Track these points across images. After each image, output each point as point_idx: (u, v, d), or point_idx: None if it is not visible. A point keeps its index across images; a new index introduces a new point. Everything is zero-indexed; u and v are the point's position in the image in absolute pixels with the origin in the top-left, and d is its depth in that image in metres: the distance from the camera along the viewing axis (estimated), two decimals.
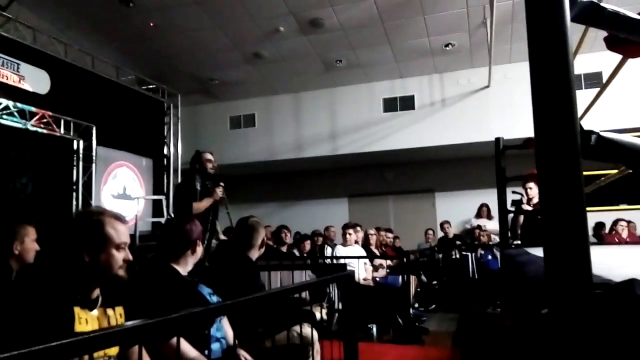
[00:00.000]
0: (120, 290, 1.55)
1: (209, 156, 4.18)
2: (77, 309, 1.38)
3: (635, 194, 6.71)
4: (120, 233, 1.49)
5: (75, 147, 6.39)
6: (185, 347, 1.76)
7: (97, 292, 1.47)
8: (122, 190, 7.24)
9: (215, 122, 9.51)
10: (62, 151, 6.23)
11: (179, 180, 8.29)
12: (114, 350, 1.47)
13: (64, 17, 6.42)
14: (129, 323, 1.01)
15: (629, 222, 6.68)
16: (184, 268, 2.08)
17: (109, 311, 1.50)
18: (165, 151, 8.35)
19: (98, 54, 6.90)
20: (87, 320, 1.40)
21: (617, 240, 6.01)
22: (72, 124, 6.25)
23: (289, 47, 7.29)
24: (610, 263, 2.05)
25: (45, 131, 5.83)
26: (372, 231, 6.38)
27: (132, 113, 7.45)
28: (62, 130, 6.11)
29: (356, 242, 5.74)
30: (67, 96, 6.23)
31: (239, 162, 9.22)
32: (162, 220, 6.87)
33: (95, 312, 1.45)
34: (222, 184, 4.06)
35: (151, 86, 8.11)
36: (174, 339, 1.21)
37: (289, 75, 8.33)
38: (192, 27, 6.68)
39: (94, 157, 6.47)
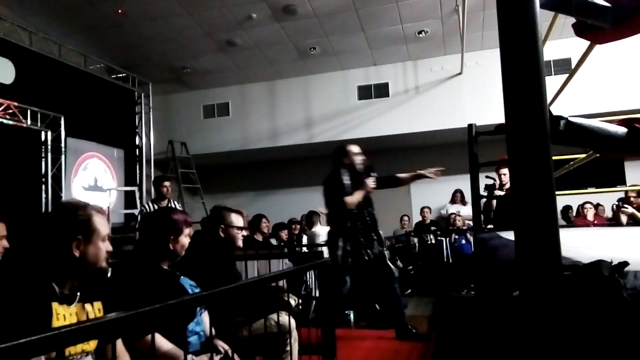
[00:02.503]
0: (98, 284, 1.54)
1: (356, 149, 4.07)
2: (55, 305, 1.36)
3: (602, 177, 6.93)
4: (105, 225, 1.51)
5: (43, 138, 6.22)
6: (159, 340, 1.75)
7: (75, 287, 1.45)
8: (94, 182, 7.09)
9: (188, 111, 9.37)
10: (29, 143, 6.06)
11: (152, 171, 8.18)
12: (91, 346, 1.45)
13: (27, 4, 6.19)
14: (103, 317, 0.99)
15: (596, 205, 6.89)
16: (166, 261, 2.05)
17: (88, 306, 1.49)
18: (137, 141, 8.20)
19: (65, 42, 6.69)
20: (65, 316, 1.38)
21: (584, 223, 6.19)
22: (39, 115, 6.07)
23: (262, 35, 7.21)
24: (579, 245, 2.11)
25: (11, 122, 5.65)
26: None
27: (102, 103, 7.28)
28: (29, 121, 5.93)
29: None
30: (33, 86, 6.04)
31: (214, 151, 9.13)
32: (135, 212, 6.76)
33: (73, 307, 1.43)
34: (373, 174, 3.98)
35: (121, 75, 7.93)
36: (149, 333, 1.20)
37: (263, 63, 8.25)
38: (162, 14, 6.53)
39: (63, 149, 6.31)
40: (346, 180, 3.86)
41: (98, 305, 1.53)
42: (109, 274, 1.58)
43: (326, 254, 4.70)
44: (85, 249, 1.43)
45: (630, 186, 5.05)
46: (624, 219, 5.08)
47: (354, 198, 3.81)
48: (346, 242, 3.85)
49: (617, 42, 1.27)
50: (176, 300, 1.15)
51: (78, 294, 1.46)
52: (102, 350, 1.50)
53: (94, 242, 1.45)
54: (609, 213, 7.01)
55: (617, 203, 5.10)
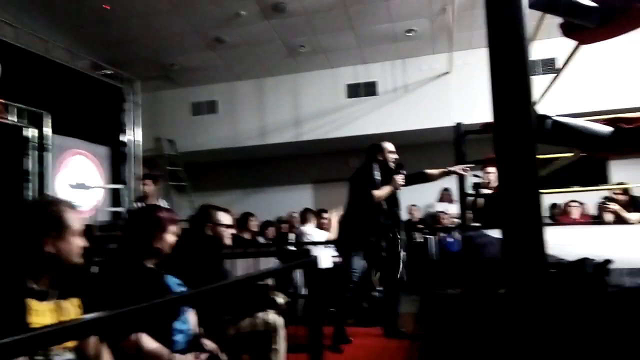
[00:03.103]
0: (76, 280, 1.53)
1: (391, 147, 4.12)
2: (30, 301, 1.34)
3: (586, 176, 7.01)
4: (77, 220, 1.50)
5: (27, 135, 6.12)
6: (145, 339, 1.73)
7: (51, 283, 1.44)
8: (79, 180, 7.01)
9: (177, 108, 9.30)
10: (13, 140, 5.96)
11: (141, 168, 8.10)
12: (71, 342, 1.43)
13: None
14: (87, 316, 0.98)
15: (580, 203, 6.97)
16: (151, 259, 2.03)
17: (65, 303, 1.47)
18: (124, 139, 8.11)
19: (51, 38, 6.59)
20: (41, 313, 1.36)
21: (569, 221, 6.26)
22: (24, 112, 5.98)
23: (251, 32, 7.17)
24: (563, 243, 2.13)
25: None
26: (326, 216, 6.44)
27: (88, 100, 7.18)
28: (13, 118, 5.83)
29: (321, 227, 5.77)
30: (18, 82, 5.93)
31: (202, 149, 9.08)
32: (122, 210, 6.70)
33: (50, 303, 1.41)
34: (403, 171, 4.02)
35: (108, 72, 7.83)
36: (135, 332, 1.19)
37: (251, 61, 8.21)
38: (150, 10, 6.46)
39: (48, 146, 6.22)
40: (377, 175, 3.94)
41: (76, 301, 1.52)
42: (87, 270, 1.56)
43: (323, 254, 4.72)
44: (58, 244, 1.42)
45: (615, 184, 5.11)
46: (608, 217, 5.15)
47: (382, 192, 3.89)
48: (371, 235, 3.93)
49: (603, 42, 1.29)
50: (161, 299, 1.14)
51: (54, 290, 1.45)
52: (81, 346, 1.49)
53: (67, 238, 1.45)
54: (593, 211, 7.09)
55: (602, 201, 5.16)
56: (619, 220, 4.95)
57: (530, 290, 0.94)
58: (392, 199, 4.04)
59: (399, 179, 3.94)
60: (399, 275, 4.12)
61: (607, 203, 5.08)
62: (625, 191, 5.10)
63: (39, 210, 1.46)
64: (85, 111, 7.07)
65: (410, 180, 4.13)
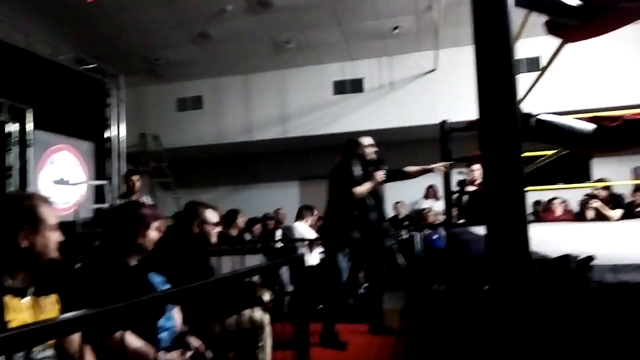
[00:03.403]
0: (54, 277, 1.51)
1: (368, 141, 4.05)
2: (7, 298, 1.32)
3: (569, 173, 7.10)
4: (52, 215, 1.48)
5: (9, 130, 6.01)
6: (129, 337, 1.71)
7: (29, 279, 1.42)
8: (62, 176, 6.90)
9: (161, 103, 9.20)
10: None
11: (125, 164, 8.02)
12: (50, 340, 1.41)
13: None
14: (70, 314, 0.97)
15: (563, 200, 7.06)
16: (133, 255, 2.01)
17: (43, 299, 1.45)
18: (107, 134, 8.01)
19: (32, 31, 6.47)
20: (19, 309, 1.34)
21: (552, 218, 6.35)
22: (5, 106, 5.87)
23: (237, 27, 7.12)
24: (547, 239, 2.16)
25: None
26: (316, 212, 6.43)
27: (71, 94, 7.08)
28: None
29: (311, 225, 5.77)
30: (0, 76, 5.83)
31: (187, 145, 9.01)
32: (106, 206, 6.62)
33: (27, 300, 1.39)
34: (384, 167, 3.96)
35: (91, 66, 7.72)
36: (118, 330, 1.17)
37: (238, 56, 8.16)
38: (134, 3, 6.38)
39: (30, 141, 6.12)
40: (357, 171, 3.88)
41: (54, 298, 1.50)
42: (66, 266, 1.54)
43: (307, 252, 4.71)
44: (33, 239, 1.41)
45: (597, 181, 5.19)
46: (590, 213, 5.23)
47: (363, 189, 3.82)
48: (355, 232, 3.86)
49: (587, 40, 1.30)
50: (146, 297, 1.13)
51: (32, 286, 1.43)
52: (61, 343, 1.47)
53: (42, 232, 1.43)
54: (576, 208, 7.20)
55: (584, 198, 5.24)
56: (601, 216, 5.04)
57: (514, 287, 0.95)
58: (376, 195, 3.99)
59: (380, 174, 3.89)
60: (400, 264, 4.11)
61: (590, 200, 5.16)
62: (606, 188, 5.19)
63: (13, 205, 1.44)
64: (68, 106, 6.97)
65: (389, 177, 4.09)
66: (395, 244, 4.18)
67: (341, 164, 3.99)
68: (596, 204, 5.03)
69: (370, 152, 4.01)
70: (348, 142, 4.10)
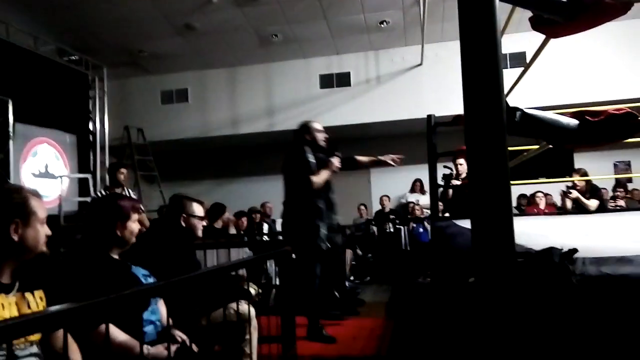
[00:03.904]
0: (39, 272, 1.49)
1: (319, 126, 3.86)
2: None
3: (553, 167, 7.20)
4: (42, 208, 1.48)
5: None
6: (114, 330, 1.70)
7: (14, 275, 1.40)
8: (44, 169, 6.79)
9: (146, 96, 9.09)
10: None
11: (107, 158, 7.92)
12: (36, 336, 1.40)
13: None
14: (54, 308, 0.96)
15: (546, 194, 7.17)
16: (115, 248, 2.00)
17: (28, 295, 1.43)
18: (90, 127, 7.90)
19: (12, 21, 6.33)
20: (3, 306, 1.32)
21: (535, 211, 6.44)
22: None
23: (223, 19, 7.05)
24: (531, 232, 2.19)
25: None
26: None
27: (53, 86, 6.95)
28: None
29: None
30: None
31: (172, 138, 8.93)
32: (89, 199, 6.54)
33: (12, 296, 1.37)
34: (337, 153, 3.77)
35: (74, 57, 7.59)
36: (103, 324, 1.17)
37: (223, 49, 8.09)
38: None
39: (11, 134, 6.01)
40: (311, 158, 3.68)
41: (39, 293, 1.48)
42: (52, 261, 1.53)
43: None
44: (24, 232, 1.39)
45: (580, 176, 5.27)
46: (568, 203, 5.33)
47: (321, 177, 3.63)
48: (322, 224, 3.68)
49: (571, 36, 1.31)
50: (130, 290, 1.12)
51: (17, 282, 1.41)
52: (47, 339, 1.45)
53: (33, 225, 1.42)
54: (559, 202, 7.31)
55: (564, 189, 5.32)
56: (579, 206, 5.14)
57: (499, 279, 0.96)
58: (327, 183, 3.80)
59: (336, 162, 3.72)
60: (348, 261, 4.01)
61: (569, 190, 5.24)
62: (587, 181, 5.28)
63: (3, 198, 1.42)
64: (50, 98, 6.85)
65: (342, 165, 3.91)
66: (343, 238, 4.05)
67: (294, 152, 3.78)
68: (574, 194, 5.12)
69: (321, 137, 3.84)
70: (299, 128, 3.91)
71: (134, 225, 2.02)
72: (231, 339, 2.37)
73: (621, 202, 6.81)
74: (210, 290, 2.23)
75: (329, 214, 3.78)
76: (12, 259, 1.40)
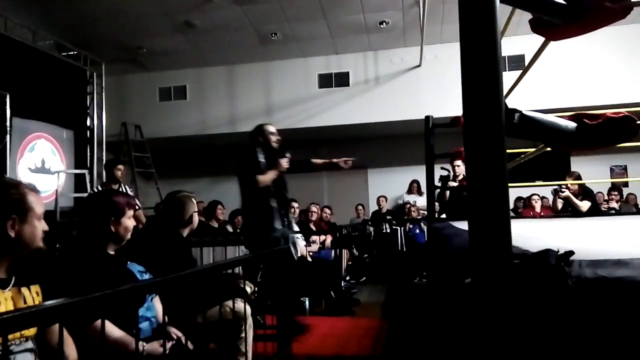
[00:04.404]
0: (35, 267, 1.49)
1: (272, 128, 3.99)
2: None
3: (549, 170, 7.23)
4: (39, 204, 1.47)
5: None
6: (109, 327, 1.70)
7: (10, 270, 1.39)
8: (41, 164, 6.78)
9: (144, 93, 9.08)
10: None
11: (104, 153, 7.90)
12: (31, 331, 1.39)
13: None
14: (49, 302, 0.95)
15: (542, 197, 7.19)
16: (110, 244, 1.99)
17: (24, 290, 1.43)
18: (88, 123, 7.88)
19: (11, 16, 6.31)
20: (2, 301, 1.32)
21: (532, 214, 6.46)
22: None
23: (223, 17, 7.05)
24: (527, 235, 2.19)
25: None
26: (314, 208, 6.46)
27: (51, 81, 6.93)
28: None
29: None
30: None
31: (170, 135, 8.91)
32: (85, 195, 6.52)
33: (8, 291, 1.37)
34: (287, 154, 3.86)
35: (72, 53, 7.57)
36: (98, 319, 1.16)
37: (223, 47, 8.08)
38: None
39: (8, 128, 5.99)
40: (261, 158, 3.79)
41: (35, 288, 1.48)
42: (48, 256, 1.52)
43: None
44: (21, 228, 1.39)
45: (574, 179, 5.28)
46: (559, 203, 5.35)
47: (267, 177, 3.72)
48: (277, 222, 3.74)
49: (570, 40, 1.32)
50: (126, 286, 1.12)
51: (13, 277, 1.41)
52: (42, 334, 1.45)
53: (30, 221, 1.41)
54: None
55: (557, 190, 5.32)
56: (571, 207, 5.15)
57: (495, 281, 0.96)
58: (281, 183, 3.90)
59: (284, 162, 3.81)
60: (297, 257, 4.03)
61: (561, 189, 5.24)
62: (580, 184, 5.30)
63: (0, 193, 1.41)
64: (48, 93, 6.83)
65: (296, 167, 4.04)
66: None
67: (245, 152, 3.90)
68: (565, 193, 5.13)
69: (274, 139, 3.95)
70: (253, 130, 4.04)
71: (128, 222, 2.01)
72: (227, 337, 2.37)
73: (614, 204, 6.85)
74: (206, 287, 2.23)
75: (282, 212, 3.85)
76: (9, 254, 1.39)
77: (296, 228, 5.45)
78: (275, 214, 3.75)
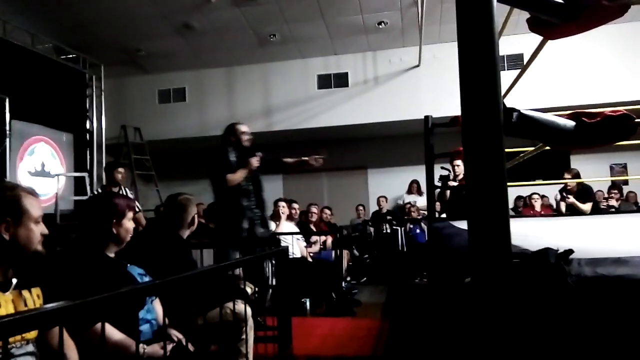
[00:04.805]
0: (36, 270, 1.48)
1: (244, 128, 4.01)
2: None
3: (549, 169, 7.23)
4: (36, 207, 1.45)
5: None
6: (110, 329, 1.70)
7: (10, 272, 1.39)
8: (41, 167, 6.78)
9: (143, 95, 9.07)
10: None
11: (103, 156, 7.91)
12: (32, 334, 1.39)
13: None
14: (50, 305, 0.95)
15: (542, 196, 7.19)
16: (111, 246, 1.99)
17: (25, 293, 1.42)
18: (87, 126, 7.88)
19: (10, 19, 6.32)
20: (0, 303, 1.32)
21: (532, 213, 6.45)
22: None
23: (221, 19, 7.05)
24: (527, 234, 2.19)
25: None
26: (314, 209, 6.46)
27: (50, 84, 6.94)
28: None
29: (289, 217, 5.76)
30: None
31: (169, 137, 8.91)
32: (85, 198, 6.52)
33: (9, 294, 1.36)
34: (258, 153, 3.87)
35: (71, 56, 7.57)
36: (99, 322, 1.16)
37: (221, 49, 8.08)
38: None
39: (7, 132, 5.99)
40: (232, 157, 3.81)
41: (36, 291, 1.47)
42: (48, 259, 1.52)
43: None
44: (15, 231, 1.37)
45: (572, 176, 5.28)
46: (563, 207, 5.36)
47: (237, 176, 3.73)
48: (244, 222, 3.74)
49: (569, 38, 1.32)
50: (126, 288, 1.12)
51: (14, 280, 1.40)
52: (43, 337, 1.44)
53: (25, 224, 1.39)
54: (554, 203, 7.33)
55: (562, 194, 5.34)
56: (574, 210, 5.17)
57: (495, 280, 0.96)
58: (256, 182, 3.92)
59: (254, 160, 3.82)
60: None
61: (567, 195, 5.26)
62: (579, 183, 5.30)
63: None
64: (47, 96, 6.83)
65: (268, 166, 4.06)
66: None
67: (217, 151, 3.92)
68: (570, 200, 5.16)
69: (245, 138, 3.96)
70: (225, 129, 4.05)
71: (129, 223, 2.02)
72: (227, 339, 2.37)
73: (613, 202, 6.86)
74: (207, 289, 2.23)
75: (254, 210, 3.85)
76: (5, 257, 1.38)
77: (290, 228, 5.44)
78: (246, 213, 3.75)
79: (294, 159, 4.22)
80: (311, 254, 5.60)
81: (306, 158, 4.13)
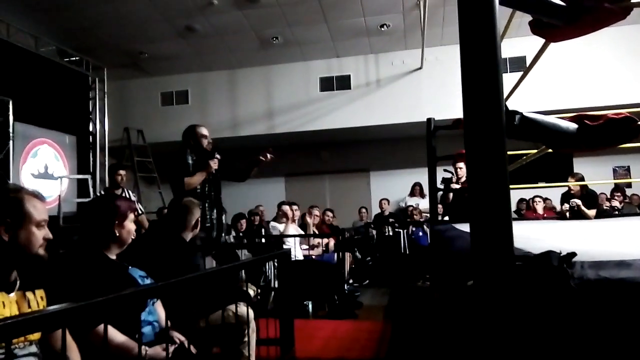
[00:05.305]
0: (40, 272, 1.48)
1: (204, 131, 4.00)
2: None
3: (552, 171, 7.21)
4: (40, 210, 1.43)
5: None
6: (112, 332, 1.70)
7: (14, 274, 1.39)
8: (44, 170, 6.80)
9: (146, 98, 9.10)
10: None
11: (107, 159, 7.93)
12: (35, 335, 1.39)
13: None
14: (53, 307, 0.96)
15: (545, 198, 7.17)
16: (113, 248, 1.99)
17: (29, 294, 1.42)
18: (90, 128, 7.91)
19: (14, 22, 6.34)
20: (4, 304, 1.32)
21: (534, 216, 6.44)
22: None
23: (224, 22, 7.07)
24: (529, 236, 2.19)
25: None
26: (315, 211, 6.45)
27: (53, 87, 6.96)
28: None
29: (293, 220, 5.76)
30: None
31: (172, 140, 8.89)
32: (88, 200, 6.54)
33: (13, 295, 1.37)
34: (217, 156, 3.86)
35: (74, 58, 7.60)
36: (101, 324, 1.16)
37: (224, 51, 8.10)
38: None
39: (11, 134, 6.01)
40: (190, 160, 3.80)
41: (40, 293, 1.47)
42: (52, 261, 1.51)
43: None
44: (15, 233, 1.37)
45: (576, 180, 5.26)
46: (567, 213, 5.33)
47: (194, 179, 3.71)
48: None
49: (571, 41, 1.32)
50: (128, 291, 1.12)
51: (18, 281, 1.40)
52: (46, 339, 1.44)
53: (26, 227, 1.38)
54: (557, 206, 7.31)
55: (573, 204, 5.25)
56: (579, 215, 5.14)
57: (498, 282, 0.96)
58: (215, 184, 3.91)
59: (213, 163, 3.80)
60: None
61: (577, 205, 5.20)
62: (582, 186, 5.27)
63: None
64: (50, 99, 6.86)
65: (227, 171, 4.07)
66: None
67: (176, 154, 3.91)
68: (577, 203, 5.13)
69: (205, 141, 3.98)
70: (186, 129, 4.05)
71: (131, 225, 2.02)
72: (230, 341, 2.37)
73: (616, 204, 6.84)
74: (209, 291, 2.23)
75: (210, 215, 3.83)
76: (5, 259, 1.37)
77: (289, 230, 5.43)
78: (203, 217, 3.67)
79: (246, 162, 4.20)
80: (313, 257, 5.60)
81: (256, 157, 4.12)
